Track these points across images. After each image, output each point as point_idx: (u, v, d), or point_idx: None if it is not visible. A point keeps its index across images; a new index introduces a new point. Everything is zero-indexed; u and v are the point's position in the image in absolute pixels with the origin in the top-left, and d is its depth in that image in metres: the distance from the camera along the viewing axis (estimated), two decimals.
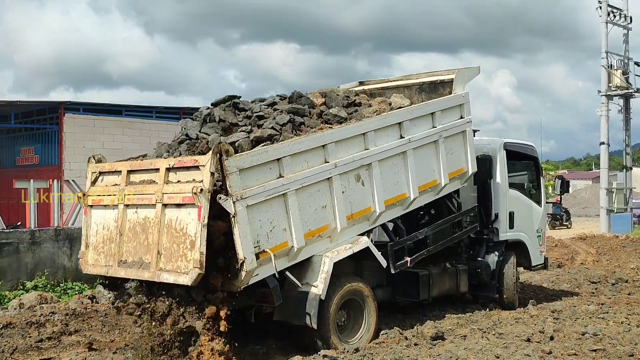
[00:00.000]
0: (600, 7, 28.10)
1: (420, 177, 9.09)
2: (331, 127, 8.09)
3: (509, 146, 10.91)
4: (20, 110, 21.53)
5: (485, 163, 10.32)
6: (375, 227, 8.86)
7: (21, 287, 13.02)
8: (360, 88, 10.72)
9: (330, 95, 9.24)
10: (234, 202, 6.58)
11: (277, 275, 7.13)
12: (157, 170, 7.08)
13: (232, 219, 6.59)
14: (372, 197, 8.36)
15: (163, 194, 6.87)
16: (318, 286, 7.46)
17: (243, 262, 6.62)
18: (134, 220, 7.21)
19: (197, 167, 6.65)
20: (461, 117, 9.82)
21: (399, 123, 8.77)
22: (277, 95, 9.23)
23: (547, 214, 34.88)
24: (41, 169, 20.93)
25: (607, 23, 28.03)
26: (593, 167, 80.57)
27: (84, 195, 7.86)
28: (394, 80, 10.59)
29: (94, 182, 7.90)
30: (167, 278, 6.68)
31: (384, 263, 8.59)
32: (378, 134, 8.43)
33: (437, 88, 9.96)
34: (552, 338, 7.55)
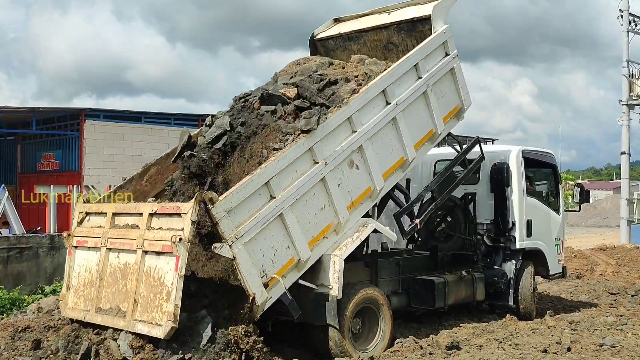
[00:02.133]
0: (622, 16, 27.88)
1: (414, 135, 8.73)
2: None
3: (527, 154, 10.81)
4: (42, 117, 21.88)
5: (502, 171, 10.25)
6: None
7: (40, 291, 13.15)
8: (337, 31, 10.21)
9: (301, 84, 8.49)
10: (230, 246, 6.45)
11: (289, 296, 7.10)
12: (140, 214, 6.89)
13: (233, 261, 6.51)
14: (369, 177, 8.10)
15: (144, 240, 6.67)
16: (333, 287, 7.44)
17: (253, 297, 6.63)
18: (115, 265, 7.04)
19: (179, 215, 6.43)
20: (446, 55, 9.18)
21: (382, 91, 8.25)
22: (243, 96, 8.54)
23: None
24: (61, 174, 21.23)
25: (628, 32, 27.78)
26: (614, 177, 79.63)
27: (69, 235, 7.74)
28: (369, 15, 10.02)
29: (80, 222, 7.74)
30: (142, 329, 6.46)
31: (394, 237, 8.55)
32: (363, 112, 7.98)
33: (415, 25, 9.41)
34: (569, 349, 7.48)
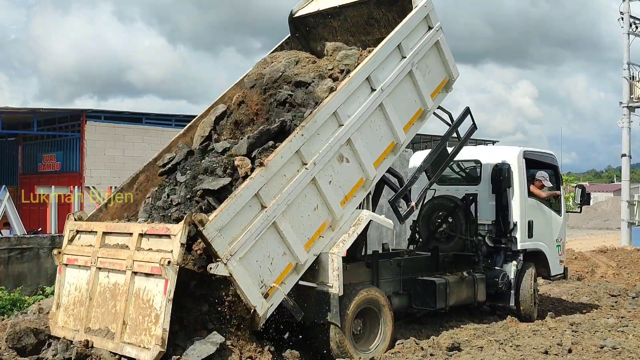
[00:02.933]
0: (622, 19, 27.89)
1: (403, 117, 8.43)
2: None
3: (528, 155, 10.80)
4: (43, 118, 21.87)
5: (503, 172, 10.23)
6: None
7: (41, 292, 13.14)
8: (315, 8, 9.76)
9: (255, 140, 7.58)
10: (225, 264, 6.39)
11: (290, 301, 7.09)
12: (130, 234, 6.82)
13: (230, 278, 6.46)
14: (361, 168, 7.89)
15: (134, 261, 6.58)
16: (333, 285, 7.41)
17: (254, 309, 6.63)
18: (105, 284, 6.94)
19: (168, 236, 6.35)
20: (429, 29, 8.70)
21: (367, 78, 7.87)
22: (168, 161, 8.17)
23: None
24: (62, 175, 21.22)
25: (629, 34, 27.77)
26: (614, 179, 79.56)
27: (59, 253, 7.67)
28: None
29: (71, 240, 7.67)
30: (130, 352, 6.36)
31: (390, 225, 8.46)
32: (347, 103, 7.64)
33: (395, 0, 8.99)
34: (570, 351, 7.49)
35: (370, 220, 8.08)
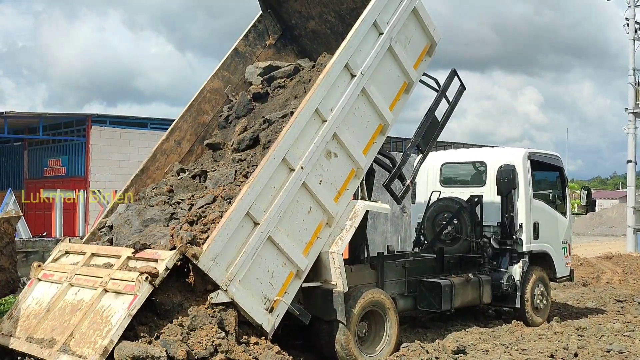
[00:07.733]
0: (628, 24, 27.89)
1: (388, 96, 8.07)
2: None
3: (534, 156, 10.78)
4: (49, 122, 21.94)
5: (509, 173, 10.19)
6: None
7: None
8: None
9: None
10: (225, 291, 6.31)
11: (296, 310, 7.05)
12: (118, 257, 6.62)
13: (233, 303, 6.38)
14: (350, 160, 7.64)
15: (110, 278, 6.30)
16: (337, 283, 7.37)
17: (261, 326, 6.61)
18: (70, 300, 6.57)
19: (155, 260, 6.21)
20: None
21: (345, 66, 7.47)
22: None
23: None
24: (68, 180, 21.25)
25: (634, 40, 27.79)
26: (620, 186, 79.22)
27: (39, 266, 7.40)
28: None
29: (56, 259, 7.43)
30: None
31: (387, 210, 8.33)
32: (328, 97, 7.30)
33: None
34: (576, 355, 7.46)
35: (367, 210, 7.96)
